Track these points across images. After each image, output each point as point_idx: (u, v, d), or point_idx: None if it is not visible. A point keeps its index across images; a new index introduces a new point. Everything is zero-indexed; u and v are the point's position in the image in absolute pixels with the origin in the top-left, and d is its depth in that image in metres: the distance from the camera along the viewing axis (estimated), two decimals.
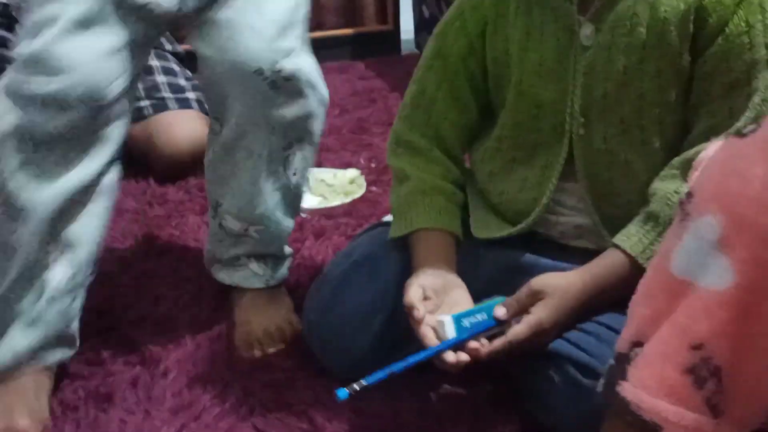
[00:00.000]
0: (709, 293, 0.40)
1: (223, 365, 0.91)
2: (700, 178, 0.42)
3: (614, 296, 0.70)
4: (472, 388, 0.84)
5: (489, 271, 0.82)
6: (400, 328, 0.76)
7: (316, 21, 2.11)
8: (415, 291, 0.75)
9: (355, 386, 0.68)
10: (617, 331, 0.61)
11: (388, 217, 1.00)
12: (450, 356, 0.70)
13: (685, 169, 0.71)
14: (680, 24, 0.72)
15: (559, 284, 0.72)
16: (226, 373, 0.89)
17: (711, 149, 0.44)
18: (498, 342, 0.71)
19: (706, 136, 0.72)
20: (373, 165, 1.51)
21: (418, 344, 0.72)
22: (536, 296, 0.71)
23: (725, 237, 0.38)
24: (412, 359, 0.70)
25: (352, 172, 1.43)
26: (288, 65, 0.82)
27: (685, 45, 0.73)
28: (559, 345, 0.73)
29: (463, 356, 0.70)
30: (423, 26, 2.13)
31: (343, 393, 0.68)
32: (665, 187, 0.72)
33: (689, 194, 0.41)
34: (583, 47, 0.75)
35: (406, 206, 0.84)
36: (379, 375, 0.69)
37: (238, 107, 0.85)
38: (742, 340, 0.41)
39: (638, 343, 0.49)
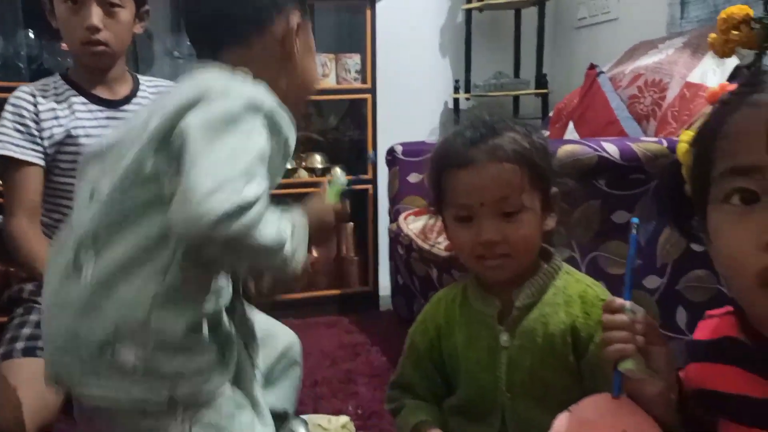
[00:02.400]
0: None
1: None
2: None
3: None
4: None
5: None
6: None
7: (309, 282, 2.52)
8: None
9: None
10: None
11: None
12: None
13: None
14: (562, 336, 1.01)
15: None
16: None
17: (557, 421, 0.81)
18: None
19: None
20: (359, 412, 1.76)
21: None
22: None
23: None
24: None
25: (344, 418, 1.65)
26: None
27: (567, 350, 1.01)
28: None
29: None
30: (398, 291, 2.43)
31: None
32: None
33: None
34: (504, 347, 1.04)
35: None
36: None
37: None
38: None
39: None
